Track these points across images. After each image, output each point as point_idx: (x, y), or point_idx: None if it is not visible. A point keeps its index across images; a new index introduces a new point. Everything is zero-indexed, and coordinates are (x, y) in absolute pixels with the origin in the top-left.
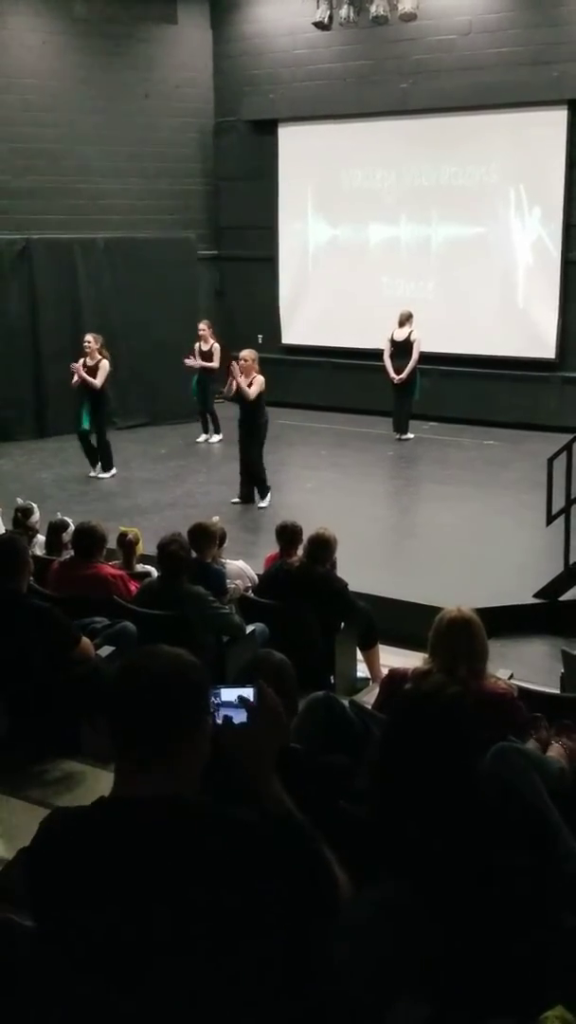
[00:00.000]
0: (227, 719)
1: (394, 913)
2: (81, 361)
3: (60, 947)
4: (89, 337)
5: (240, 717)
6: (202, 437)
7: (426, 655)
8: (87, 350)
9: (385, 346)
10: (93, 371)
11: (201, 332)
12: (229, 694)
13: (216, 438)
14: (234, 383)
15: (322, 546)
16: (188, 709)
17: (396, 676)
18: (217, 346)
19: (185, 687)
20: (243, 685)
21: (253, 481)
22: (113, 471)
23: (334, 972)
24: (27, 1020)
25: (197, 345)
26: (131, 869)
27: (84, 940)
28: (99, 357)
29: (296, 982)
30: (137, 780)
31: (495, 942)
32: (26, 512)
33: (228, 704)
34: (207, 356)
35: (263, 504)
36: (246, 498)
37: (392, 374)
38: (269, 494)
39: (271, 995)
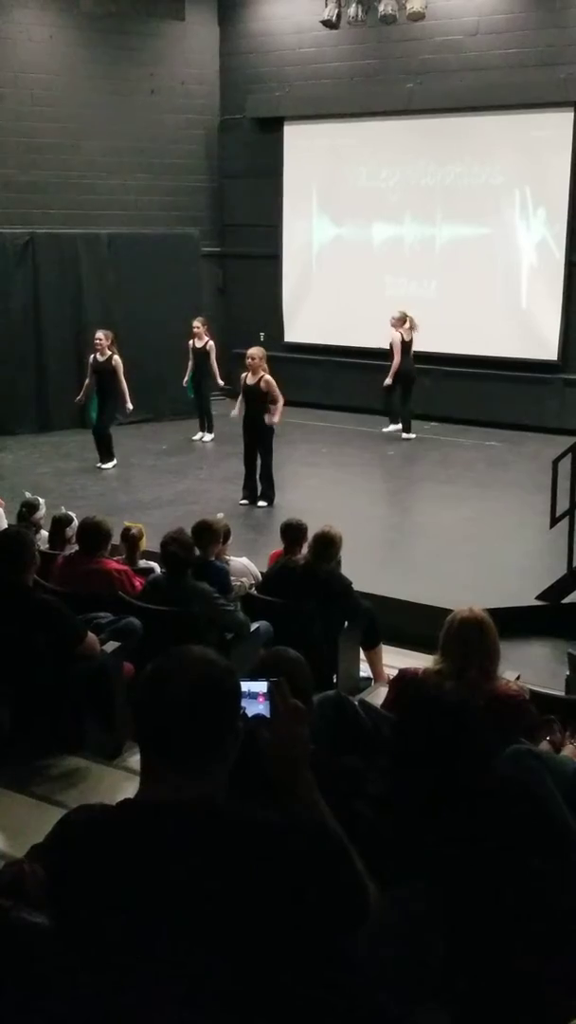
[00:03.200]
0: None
1: (412, 917)
2: (91, 357)
3: (75, 945)
4: (100, 334)
5: (253, 709)
6: (198, 435)
7: (437, 655)
8: (97, 346)
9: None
10: (105, 367)
11: (195, 330)
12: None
13: (208, 437)
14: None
15: (327, 544)
16: (222, 716)
17: (407, 676)
18: (212, 343)
19: (219, 694)
20: (254, 679)
21: (264, 483)
22: (113, 462)
23: (356, 976)
24: (41, 1017)
25: (191, 342)
26: (156, 872)
27: (102, 939)
28: (109, 353)
29: (319, 988)
30: (166, 784)
31: (514, 947)
32: (31, 507)
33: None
34: (200, 353)
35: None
36: (252, 498)
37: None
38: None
39: (293, 1001)
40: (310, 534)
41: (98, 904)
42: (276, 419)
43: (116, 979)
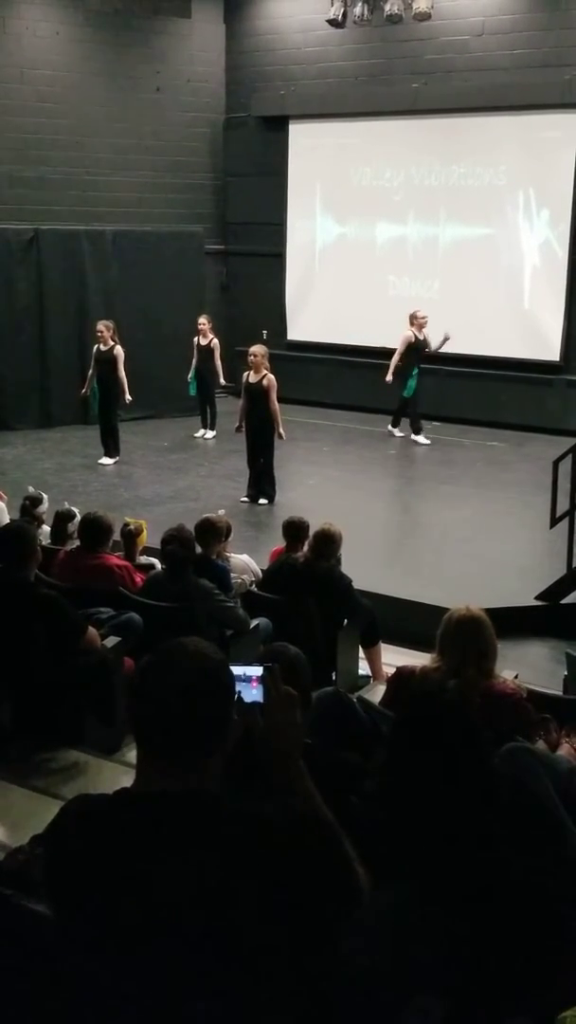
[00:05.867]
0: (237, 696)
1: (408, 912)
2: (95, 348)
3: (75, 934)
4: (101, 325)
5: (248, 695)
6: (199, 432)
7: (434, 654)
8: (100, 337)
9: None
10: (107, 357)
11: (200, 327)
12: (235, 671)
13: (210, 434)
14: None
15: (327, 541)
16: (216, 709)
17: (404, 674)
18: (216, 341)
19: (213, 687)
20: (248, 663)
21: (264, 481)
22: (116, 458)
23: (349, 970)
24: (42, 1005)
25: (196, 339)
26: (152, 861)
27: (100, 928)
28: (112, 344)
29: (312, 978)
30: (161, 774)
31: (508, 942)
32: (35, 501)
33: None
34: (204, 350)
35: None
36: (255, 497)
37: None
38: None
39: (287, 990)
40: (311, 532)
41: (96, 892)
42: (282, 431)
43: (114, 965)
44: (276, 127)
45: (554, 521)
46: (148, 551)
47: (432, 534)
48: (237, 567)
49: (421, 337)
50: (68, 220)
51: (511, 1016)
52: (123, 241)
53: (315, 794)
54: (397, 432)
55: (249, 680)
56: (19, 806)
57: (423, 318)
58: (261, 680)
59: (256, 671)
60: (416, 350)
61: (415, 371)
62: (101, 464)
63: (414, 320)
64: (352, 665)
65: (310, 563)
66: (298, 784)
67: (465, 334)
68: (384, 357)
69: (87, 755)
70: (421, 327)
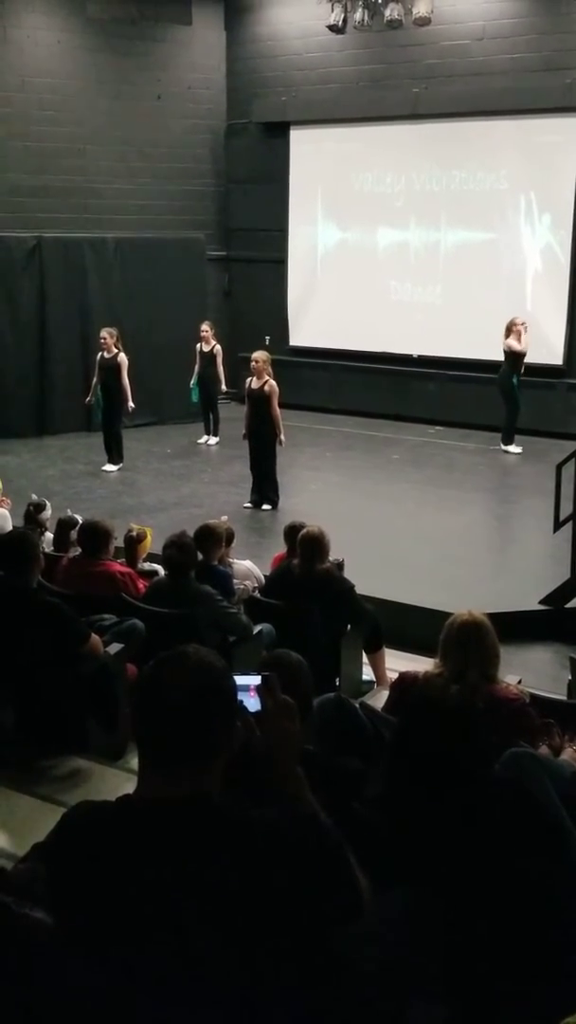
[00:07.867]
0: (240, 705)
1: (411, 917)
2: (99, 355)
3: (77, 941)
4: (104, 332)
5: (248, 704)
6: (203, 438)
7: (437, 659)
8: (103, 344)
9: None
10: (110, 364)
11: (203, 333)
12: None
13: (213, 440)
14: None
15: (312, 543)
16: (218, 717)
17: (407, 679)
18: (219, 348)
19: (216, 695)
20: (248, 673)
21: (267, 486)
22: (120, 465)
23: (353, 974)
24: (43, 1014)
25: (198, 346)
26: (155, 868)
27: (102, 935)
28: (116, 351)
29: (315, 982)
30: (163, 781)
31: (511, 946)
32: (38, 507)
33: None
34: (207, 357)
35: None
36: (258, 503)
37: None
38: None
39: (289, 996)
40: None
41: (97, 899)
42: (283, 437)
43: (115, 972)
44: (277, 133)
45: (557, 525)
46: (153, 558)
47: (435, 538)
48: (240, 573)
49: (522, 346)
50: (70, 228)
51: (513, 1020)
52: (125, 248)
53: (313, 801)
54: (514, 448)
55: (247, 689)
56: (22, 813)
57: (522, 324)
58: (257, 690)
59: (255, 680)
60: (515, 360)
61: (516, 381)
62: (104, 471)
63: (512, 328)
64: (355, 670)
65: (306, 569)
66: (297, 791)
67: (467, 338)
68: (384, 362)
69: (90, 762)
70: (520, 335)
